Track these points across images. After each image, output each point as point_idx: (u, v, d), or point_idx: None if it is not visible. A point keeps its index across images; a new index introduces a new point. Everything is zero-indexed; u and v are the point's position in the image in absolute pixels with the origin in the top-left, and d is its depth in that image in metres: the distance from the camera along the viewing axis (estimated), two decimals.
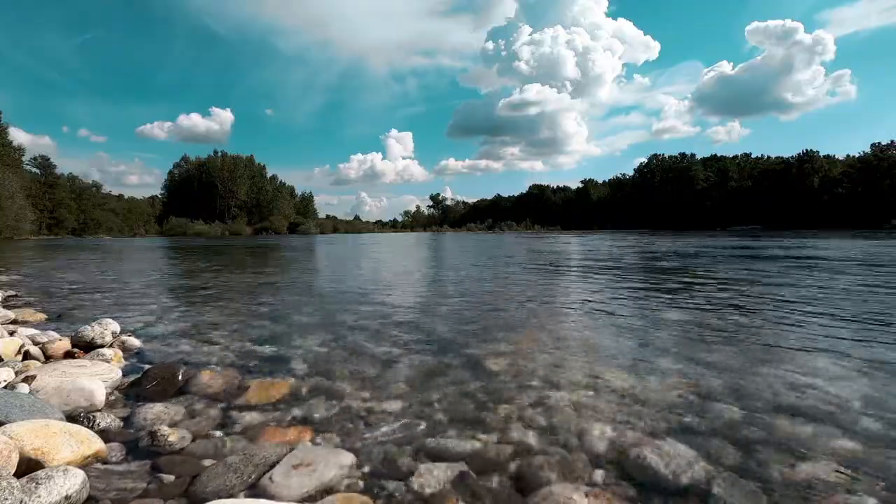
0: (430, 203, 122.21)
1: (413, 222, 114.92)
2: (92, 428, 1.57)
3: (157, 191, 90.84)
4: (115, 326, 2.82)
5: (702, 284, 5.58)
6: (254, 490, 1.26)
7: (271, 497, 1.21)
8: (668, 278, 6.38)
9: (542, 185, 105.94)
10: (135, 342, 2.75)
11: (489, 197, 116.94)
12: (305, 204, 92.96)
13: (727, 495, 1.23)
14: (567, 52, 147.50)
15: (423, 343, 2.85)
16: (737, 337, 2.90)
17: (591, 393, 1.96)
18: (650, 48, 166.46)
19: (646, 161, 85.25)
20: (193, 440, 1.55)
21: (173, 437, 1.53)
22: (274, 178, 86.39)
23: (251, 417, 1.73)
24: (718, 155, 77.54)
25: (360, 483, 1.31)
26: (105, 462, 1.39)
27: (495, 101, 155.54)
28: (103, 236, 57.20)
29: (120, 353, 2.47)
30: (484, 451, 1.48)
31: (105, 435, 1.55)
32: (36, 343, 2.54)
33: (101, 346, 2.56)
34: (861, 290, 4.80)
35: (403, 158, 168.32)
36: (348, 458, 1.40)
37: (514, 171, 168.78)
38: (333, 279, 7.08)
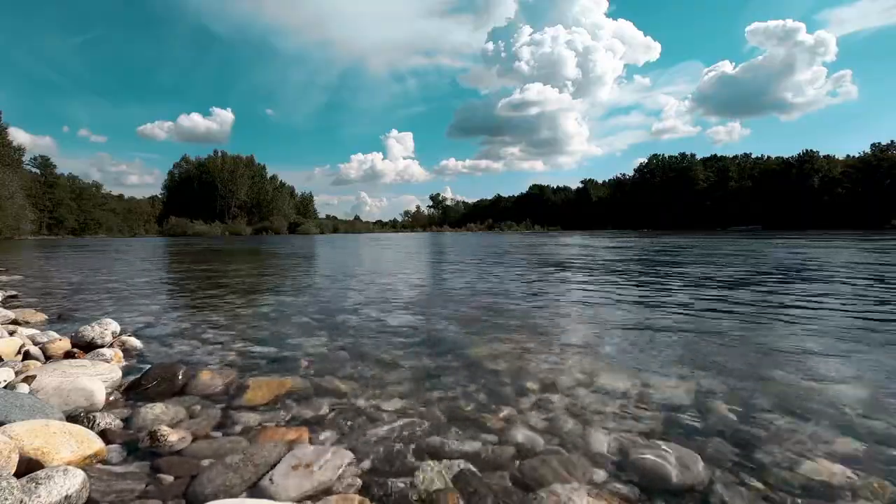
0: (431, 203, 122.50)
1: (413, 222, 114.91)
2: (92, 428, 1.56)
3: (157, 191, 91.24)
4: (115, 326, 2.82)
5: (702, 284, 5.58)
6: (253, 490, 1.26)
7: (271, 497, 1.21)
8: (668, 278, 6.38)
9: (542, 185, 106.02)
10: (135, 342, 2.75)
11: (489, 197, 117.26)
12: (305, 204, 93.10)
13: (727, 496, 1.23)
14: (567, 53, 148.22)
15: (423, 342, 2.85)
16: (737, 337, 2.90)
17: (591, 393, 1.96)
18: (650, 48, 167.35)
19: (646, 161, 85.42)
20: (193, 440, 1.55)
21: (173, 437, 1.53)
22: (274, 178, 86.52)
23: (251, 417, 1.73)
24: (718, 155, 77.63)
25: (360, 483, 1.31)
26: (105, 462, 1.39)
27: (495, 102, 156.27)
28: (103, 236, 57.19)
29: (120, 354, 2.47)
30: (484, 450, 1.48)
31: (105, 435, 1.55)
32: (36, 343, 2.54)
33: (102, 346, 2.56)
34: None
35: (404, 158, 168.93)
36: (348, 458, 1.40)
37: (515, 171, 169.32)
38: (334, 279, 7.07)
